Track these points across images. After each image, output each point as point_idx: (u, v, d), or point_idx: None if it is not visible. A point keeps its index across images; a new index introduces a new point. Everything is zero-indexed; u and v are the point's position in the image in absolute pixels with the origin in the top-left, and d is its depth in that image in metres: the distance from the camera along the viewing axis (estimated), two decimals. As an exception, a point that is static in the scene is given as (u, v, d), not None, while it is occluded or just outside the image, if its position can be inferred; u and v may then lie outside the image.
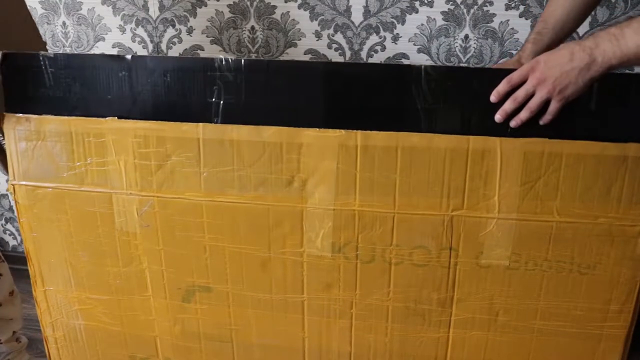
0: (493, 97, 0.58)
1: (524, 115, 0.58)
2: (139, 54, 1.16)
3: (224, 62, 0.62)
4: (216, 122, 0.63)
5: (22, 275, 0.88)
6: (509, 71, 0.58)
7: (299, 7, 1.05)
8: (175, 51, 1.14)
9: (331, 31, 1.06)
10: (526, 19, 0.99)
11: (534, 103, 0.57)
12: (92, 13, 1.14)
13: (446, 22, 1.02)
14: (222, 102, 0.63)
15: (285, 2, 1.05)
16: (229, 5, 1.08)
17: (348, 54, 1.08)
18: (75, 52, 1.17)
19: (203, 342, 0.73)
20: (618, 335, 0.64)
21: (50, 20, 1.15)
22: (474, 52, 1.03)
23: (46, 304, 0.76)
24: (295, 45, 1.09)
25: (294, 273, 0.66)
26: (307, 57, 1.09)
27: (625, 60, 0.53)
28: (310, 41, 1.08)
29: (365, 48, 1.07)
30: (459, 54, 1.04)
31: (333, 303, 0.67)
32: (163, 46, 1.14)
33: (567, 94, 0.55)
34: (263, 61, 0.69)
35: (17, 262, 1.16)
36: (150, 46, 1.14)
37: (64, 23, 1.16)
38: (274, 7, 1.06)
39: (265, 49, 1.10)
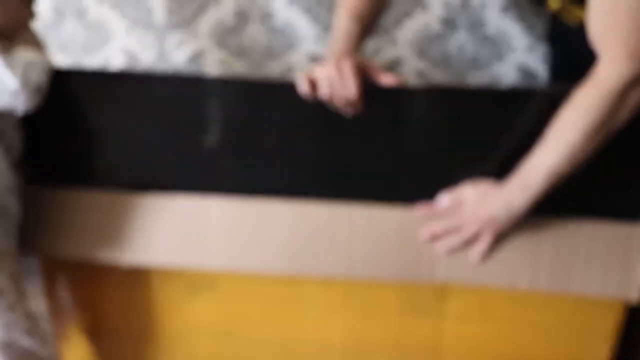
0: (425, 235, 0.62)
1: (454, 244, 0.61)
2: (144, 58, 1.18)
3: None
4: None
5: (26, 273, 0.89)
6: None
7: (301, 12, 1.08)
8: (180, 55, 1.16)
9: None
10: (521, 23, 1.01)
11: (467, 236, 0.61)
12: (98, 18, 1.16)
13: (441, 27, 1.04)
14: None
15: (288, 7, 1.08)
16: (232, 11, 1.10)
17: (347, 58, 1.09)
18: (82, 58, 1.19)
19: (207, 337, 0.74)
20: (609, 329, 0.65)
21: (58, 25, 1.18)
22: (470, 56, 1.05)
23: (51, 300, 0.77)
24: (296, 49, 1.11)
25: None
26: (309, 61, 1.11)
27: (538, 199, 0.58)
28: (312, 45, 1.10)
29: (363, 52, 1.09)
30: (454, 58, 1.06)
31: (331, 297, 0.68)
32: (168, 51, 1.16)
33: (499, 233, 0.60)
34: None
35: (21, 260, 1.18)
36: (156, 50, 1.17)
37: (71, 28, 1.18)
38: (276, 12, 1.09)
39: (267, 53, 1.12)
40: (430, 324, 0.67)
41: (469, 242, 0.61)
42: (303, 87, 0.57)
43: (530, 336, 0.67)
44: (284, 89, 0.58)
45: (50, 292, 0.76)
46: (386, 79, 0.57)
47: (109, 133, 0.65)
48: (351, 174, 0.63)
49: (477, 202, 0.60)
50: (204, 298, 0.71)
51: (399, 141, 0.60)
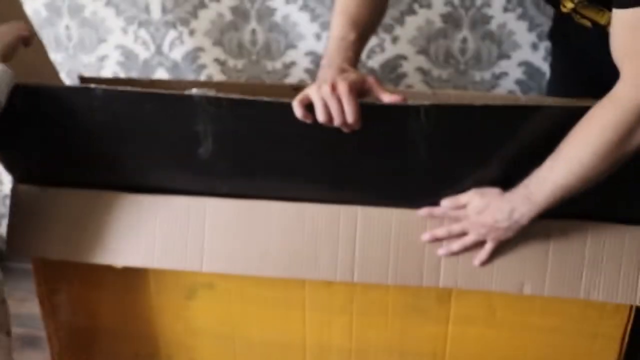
0: (427, 237, 0.61)
1: (456, 248, 0.61)
2: (141, 55, 1.17)
3: None
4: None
5: (24, 273, 0.88)
6: None
7: (300, 9, 1.06)
8: (177, 53, 1.15)
9: (331, 33, 1.07)
10: (523, 21, 1.00)
11: (469, 241, 0.60)
12: (94, 15, 1.15)
13: (444, 24, 1.03)
14: None
15: (286, 4, 1.06)
16: (230, 8, 1.09)
17: (348, 55, 1.08)
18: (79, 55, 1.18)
19: (205, 339, 0.74)
20: (614, 333, 0.65)
21: (54, 22, 1.16)
22: (472, 53, 1.04)
23: (49, 303, 0.77)
24: (295, 47, 1.10)
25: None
26: (307, 59, 1.10)
27: (543, 211, 0.56)
28: (311, 43, 1.09)
29: (365, 50, 1.08)
30: (457, 55, 1.05)
31: (333, 299, 0.67)
32: (165, 48, 1.15)
33: (502, 239, 0.60)
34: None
35: (19, 260, 1.17)
36: (153, 48, 1.16)
37: (67, 25, 1.17)
38: (275, 9, 1.07)
39: (265, 50, 1.11)
40: (433, 327, 0.66)
41: (471, 248, 0.61)
42: (298, 112, 0.54)
43: (534, 340, 0.66)
44: (280, 107, 0.55)
45: (44, 295, 0.75)
46: (388, 97, 0.53)
47: (103, 142, 0.63)
48: (351, 185, 0.62)
49: (481, 208, 0.58)
50: (202, 300, 0.70)
51: (401, 152, 0.59)
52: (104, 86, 0.59)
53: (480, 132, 0.57)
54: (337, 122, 0.53)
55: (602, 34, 0.62)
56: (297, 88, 0.84)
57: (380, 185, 0.62)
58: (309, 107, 0.54)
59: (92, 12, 1.14)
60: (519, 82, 1.05)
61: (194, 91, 0.58)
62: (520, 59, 1.03)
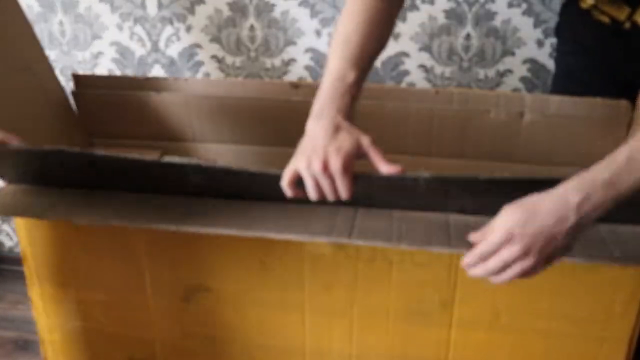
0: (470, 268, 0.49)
1: (507, 276, 0.48)
2: (137, 52, 1.15)
3: None
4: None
5: (18, 276, 0.87)
6: None
7: (299, 5, 1.05)
8: (174, 50, 1.13)
9: (331, 29, 1.05)
10: (528, 17, 0.99)
11: (520, 268, 0.47)
12: (89, 11, 1.13)
13: (447, 21, 1.01)
14: None
15: None
16: (228, 4, 1.07)
17: (348, 52, 1.07)
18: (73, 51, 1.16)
19: (202, 343, 0.72)
20: (621, 337, 0.64)
21: (47, 18, 1.15)
22: (476, 50, 1.02)
23: (42, 306, 0.75)
24: (295, 43, 1.08)
25: (295, 272, 0.65)
26: (307, 56, 1.09)
27: (616, 205, 0.45)
28: (310, 39, 1.07)
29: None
30: (460, 52, 1.03)
31: (334, 303, 0.66)
32: (161, 44, 1.13)
33: (556, 255, 0.48)
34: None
35: (13, 263, 1.16)
36: (149, 45, 1.14)
37: (60, 21, 1.15)
38: (274, 5, 1.06)
39: (264, 47, 1.09)
40: (436, 332, 0.65)
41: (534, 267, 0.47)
42: (288, 193, 0.50)
43: (539, 345, 0.65)
44: (268, 178, 0.52)
45: (37, 297, 0.74)
46: (386, 168, 0.49)
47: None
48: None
49: (526, 218, 0.45)
50: (199, 302, 0.69)
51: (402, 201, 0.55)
52: (81, 152, 0.58)
53: (483, 206, 0.53)
54: (329, 198, 0.50)
55: (619, 29, 0.60)
56: (297, 86, 0.82)
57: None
58: (298, 180, 0.50)
59: (87, 7, 1.12)
60: (523, 80, 1.03)
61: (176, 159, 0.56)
62: (525, 56, 1.01)
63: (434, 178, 0.50)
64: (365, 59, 0.52)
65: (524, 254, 0.46)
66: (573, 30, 0.79)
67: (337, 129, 0.49)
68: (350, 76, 0.51)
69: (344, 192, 0.48)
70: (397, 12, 0.56)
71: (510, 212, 0.46)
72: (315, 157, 0.47)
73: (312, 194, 0.49)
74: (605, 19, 0.67)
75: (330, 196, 0.49)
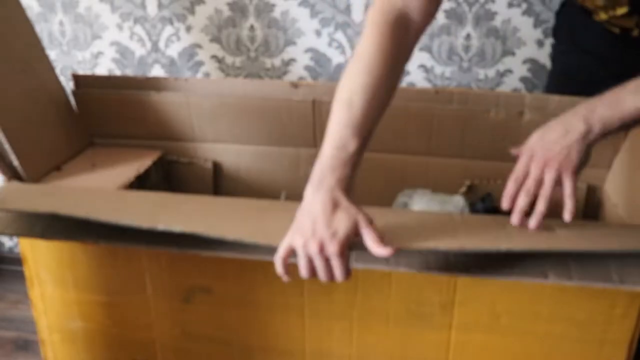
0: (506, 204, 0.52)
1: (541, 206, 0.51)
2: (137, 52, 1.15)
3: None
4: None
5: (18, 276, 0.87)
6: None
7: (299, 5, 1.04)
8: (174, 50, 1.13)
9: (331, 29, 1.05)
10: (529, 17, 0.98)
11: (547, 188, 0.51)
12: (89, 11, 1.13)
13: (448, 20, 1.01)
14: None
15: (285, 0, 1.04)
16: (228, 4, 1.07)
17: (348, 52, 1.07)
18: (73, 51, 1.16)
19: (203, 344, 0.72)
20: (621, 340, 0.63)
21: (47, 18, 1.14)
22: (476, 50, 1.02)
23: (43, 306, 0.75)
24: (295, 43, 1.08)
25: (295, 273, 0.65)
26: (307, 56, 1.09)
27: (623, 124, 0.50)
28: (310, 39, 1.07)
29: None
30: (460, 52, 1.03)
31: (334, 305, 0.66)
32: (161, 44, 1.13)
33: (574, 164, 0.51)
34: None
35: (13, 263, 1.16)
36: (149, 45, 1.14)
37: (60, 21, 1.15)
38: (274, 5, 1.05)
39: (264, 47, 1.09)
40: (436, 334, 0.65)
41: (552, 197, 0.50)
42: (279, 267, 0.51)
43: (540, 347, 0.65)
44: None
45: (36, 297, 0.74)
46: (379, 251, 0.48)
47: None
48: None
49: (542, 134, 0.52)
50: (200, 304, 0.69)
51: None
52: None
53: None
54: (322, 279, 0.50)
55: (627, 36, 0.61)
56: (297, 85, 0.82)
57: None
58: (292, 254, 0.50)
59: (87, 7, 1.12)
60: (523, 80, 1.03)
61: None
62: (525, 56, 1.01)
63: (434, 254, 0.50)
64: (368, 125, 0.51)
65: (546, 163, 0.51)
66: (572, 31, 0.79)
67: (335, 207, 0.48)
68: (352, 145, 0.49)
69: (339, 275, 0.49)
70: (406, 61, 0.55)
71: (533, 138, 0.53)
72: (312, 240, 0.48)
73: (303, 272, 0.50)
74: (615, 30, 0.67)
75: (323, 277, 0.49)
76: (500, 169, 0.81)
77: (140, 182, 0.81)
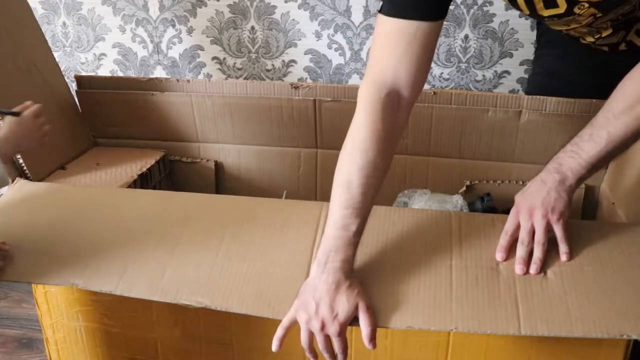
0: (500, 256, 0.56)
1: (539, 253, 0.55)
2: (139, 54, 1.16)
3: None
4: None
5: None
6: None
7: (299, 7, 1.05)
8: (175, 51, 1.14)
9: (331, 31, 1.06)
10: (526, 19, 0.99)
11: (540, 236, 0.55)
12: (92, 13, 1.14)
13: (446, 22, 1.02)
14: None
15: (285, 2, 1.05)
16: (229, 6, 1.08)
17: (348, 54, 1.08)
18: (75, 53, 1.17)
19: (203, 345, 0.73)
20: (619, 340, 0.63)
21: (51, 20, 1.15)
22: (474, 52, 1.03)
23: (47, 305, 0.76)
24: (295, 45, 1.09)
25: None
26: (307, 57, 1.09)
27: (592, 167, 0.54)
28: (310, 41, 1.08)
29: (365, 48, 1.07)
30: (458, 54, 1.04)
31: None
32: (163, 46, 1.14)
33: (560, 210, 0.55)
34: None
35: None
36: (151, 46, 1.14)
37: (64, 23, 1.15)
38: (274, 7, 1.06)
39: (265, 49, 1.10)
40: (435, 335, 0.64)
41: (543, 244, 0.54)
42: (278, 336, 0.54)
43: (538, 346, 0.65)
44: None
45: (41, 297, 0.74)
46: (369, 345, 0.52)
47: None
48: None
49: (526, 196, 0.55)
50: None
51: None
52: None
53: None
54: (323, 352, 0.53)
55: (615, 51, 0.62)
56: (297, 87, 0.83)
57: None
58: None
59: (90, 10, 1.13)
60: (521, 81, 1.04)
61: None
62: (523, 58, 1.02)
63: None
64: (367, 204, 0.54)
65: (531, 213, 0.55)
66: (557, 39, 0.78)
67: (338, 288, 0.52)
68: (353, 226, 0.53)
69: (339, 353, 0.53)
70: (399, 138, 0.58)
71: (517, 199, 0.56)
72: (315, 319, 0.52)
73: (305, 344, 0.53)
74: (604, 48, 0.68)
75: (323, 350, 0.53)
76: (499, 169, 0.82)
77: (144, 181, 0.82)
